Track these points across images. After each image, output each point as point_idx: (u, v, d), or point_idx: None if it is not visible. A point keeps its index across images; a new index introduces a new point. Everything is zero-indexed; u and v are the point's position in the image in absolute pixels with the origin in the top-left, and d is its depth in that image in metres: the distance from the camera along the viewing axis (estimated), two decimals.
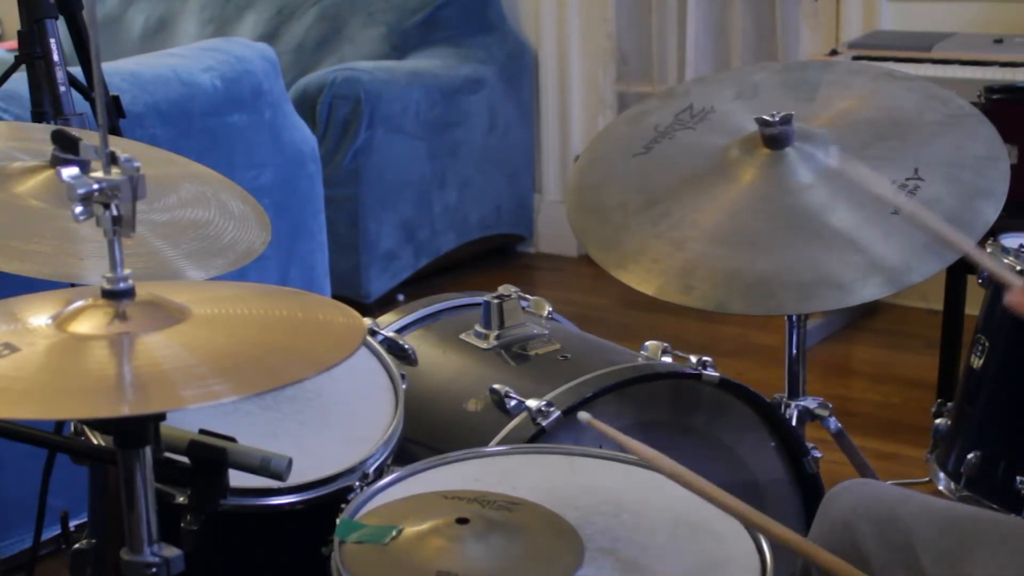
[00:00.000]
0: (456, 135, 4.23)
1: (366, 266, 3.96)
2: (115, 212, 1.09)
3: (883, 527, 1.42)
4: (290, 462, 1.31)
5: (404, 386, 1.71)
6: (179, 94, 2.79)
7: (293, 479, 1.38)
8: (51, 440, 1.50)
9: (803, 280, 1.78)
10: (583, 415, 1.39)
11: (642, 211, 1.92)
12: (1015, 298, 1.39)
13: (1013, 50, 3.27)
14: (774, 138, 1.89)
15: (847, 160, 1.84)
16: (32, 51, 2.06)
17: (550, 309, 2.06)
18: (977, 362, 1.96)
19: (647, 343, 1.88)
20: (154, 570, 1.15)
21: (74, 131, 1.54)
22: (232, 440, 1.30)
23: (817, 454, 1.92)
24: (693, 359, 1.81)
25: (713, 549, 1.35)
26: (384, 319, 2.03)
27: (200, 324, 1.14)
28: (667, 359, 1.85)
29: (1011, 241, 1.97)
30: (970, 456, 1.92)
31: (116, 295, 1.12)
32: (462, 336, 1.96)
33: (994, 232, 1.94)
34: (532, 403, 1.69)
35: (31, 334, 1.11)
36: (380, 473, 1.54)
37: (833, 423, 2.08)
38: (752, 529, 1.35)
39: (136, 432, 1.13)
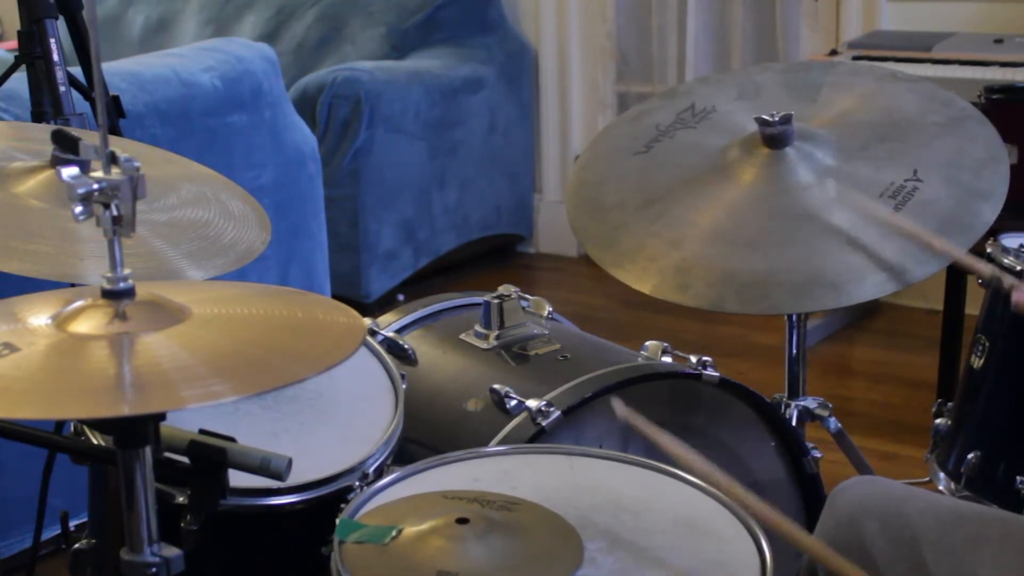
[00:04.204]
0: (456, 135, 4.23)
1: (366, 266, 3.96)
2: (115, 212, 1.09)
3: (889, 524, 1.42)
4: (290, 462, 1.31)
5: (404, 386, 1.71)
6: (179, 94, 2.79)
7: (293, 479, 1.38)
8: (51, 440, 1.50)
9: (798, 280, 1.78)
10: (618, 406, 1.37)
11: (640, 209, 1.92)
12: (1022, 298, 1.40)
13: (1013, 50, 3.27)
14: (774, 138, 1.90)
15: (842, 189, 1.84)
16: (32, 51, 2.06)
17: (550, 309, 2.06)
18: (977, 362, 1.96)
19: (647, 343, 1.88)
20: (154, 570, 1.15)
21: (74, 131, 1.54)
22: (232, 440, 1.30)
23: (817, 454, 1.92)
24: (693, 359, 1.81)
25: (713, 549, 1.35)
26: (384, 319, 2.03)
27: (200, 324, 1.14)
28: (667, 359, 1.85)
29: (1011, 241, 1.96)
30: (970, 456, 1.91)
31: (116, 295, 1.12)
32: (462, 336, 1.96)
33: (994, 232, 1.94)
34: (532, 403, 1.69)
35: (31, 334, 1.11)
36: (380, 473, 1.54)
37: (833, 423, 2.08)
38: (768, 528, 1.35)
39: (136, 432, 1.13)
